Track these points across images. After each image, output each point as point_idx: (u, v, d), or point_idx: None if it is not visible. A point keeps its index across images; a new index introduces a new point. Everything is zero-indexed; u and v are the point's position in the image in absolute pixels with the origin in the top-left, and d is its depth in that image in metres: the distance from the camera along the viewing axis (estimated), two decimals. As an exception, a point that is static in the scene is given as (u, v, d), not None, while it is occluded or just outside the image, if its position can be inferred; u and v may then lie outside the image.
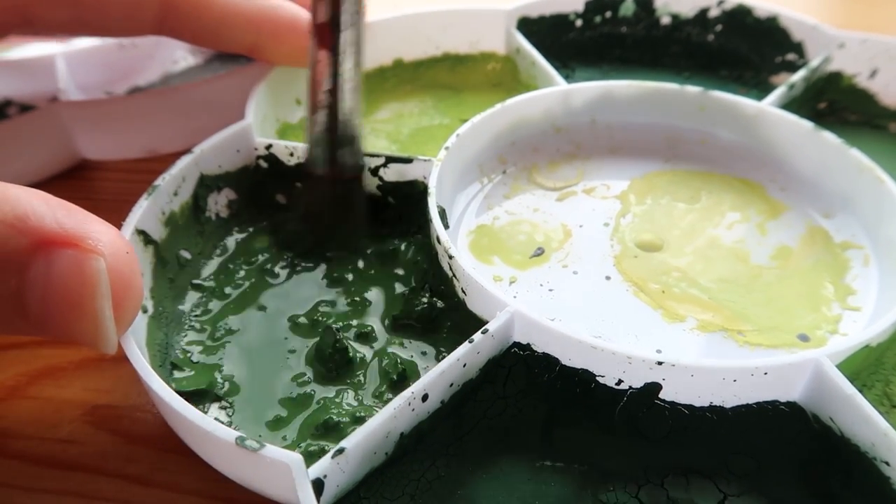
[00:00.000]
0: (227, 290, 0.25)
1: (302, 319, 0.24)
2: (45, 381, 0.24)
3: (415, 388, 0.19)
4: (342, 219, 0.27)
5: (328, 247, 0.27)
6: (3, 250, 0.17)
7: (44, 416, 0.23)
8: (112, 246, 0.18)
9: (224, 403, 0.22)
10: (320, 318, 0.24)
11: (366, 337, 0.24)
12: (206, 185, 0.27)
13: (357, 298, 0.25)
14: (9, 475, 0.21)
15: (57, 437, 0.22)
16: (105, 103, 0.32)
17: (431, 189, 0.25)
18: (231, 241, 0.27)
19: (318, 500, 0.17)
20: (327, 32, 0.24)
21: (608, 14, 0.38)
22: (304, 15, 0.27)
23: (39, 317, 0.18)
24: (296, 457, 0.17)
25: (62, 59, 0.31)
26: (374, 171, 0.27)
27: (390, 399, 0.20)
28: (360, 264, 0.26)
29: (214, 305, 0.25)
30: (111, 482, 0.21)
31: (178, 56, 0.35)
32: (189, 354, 0.23)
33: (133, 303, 0.19)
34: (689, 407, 0.20)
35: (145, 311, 0.22)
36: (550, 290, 0.25)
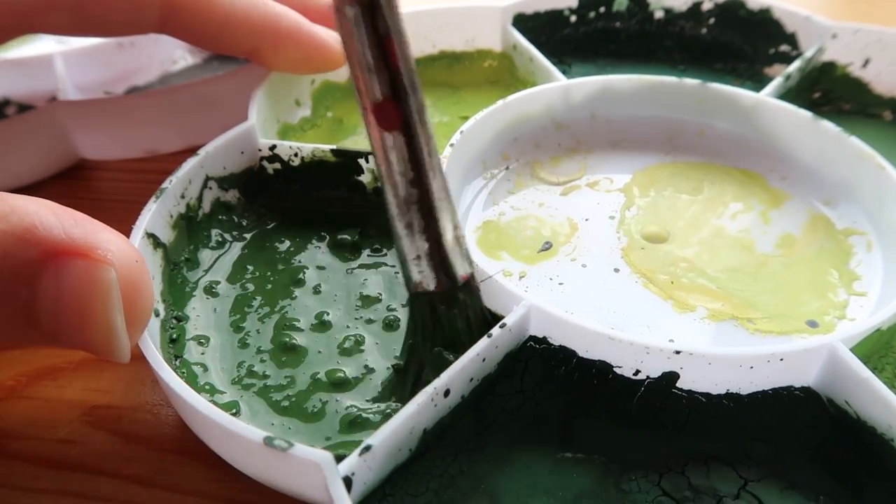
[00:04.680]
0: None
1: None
2: (44, 381, 0.24)
3: (437, 384, 0.19)
4: (463, 329, 0.22)
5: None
6: (12, 262, 0.17)
7: (43, 417, 0.23)
8: (122, 255, 0.18)
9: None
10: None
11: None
12: (212, 187, 0.27)
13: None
14: (8, 475, 0.21)
15: (56, 437, 0.22)
16: (104, 103, 0.31)
17: (440, 185, 0.25)
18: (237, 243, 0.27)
19: (347, 497, 0.17)
20: (391, 109, 0.18)
21: (602, 9, 0.38)
22: (304, 24, 0.27)
23: (51, 327, 0.17)
24: (326, 455, 0.17)
25: (61, 59, 0.31)
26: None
27: None
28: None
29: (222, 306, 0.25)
30: (111, 482, 0.21)
31: (177, 56, 0.35)
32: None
33: (145, 310, 0.19)
34: (706, 395, 0.21)
35: (157, 314, 0.22)
36: (560, 283, 0.25)
